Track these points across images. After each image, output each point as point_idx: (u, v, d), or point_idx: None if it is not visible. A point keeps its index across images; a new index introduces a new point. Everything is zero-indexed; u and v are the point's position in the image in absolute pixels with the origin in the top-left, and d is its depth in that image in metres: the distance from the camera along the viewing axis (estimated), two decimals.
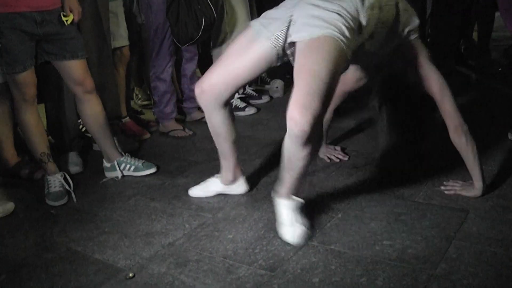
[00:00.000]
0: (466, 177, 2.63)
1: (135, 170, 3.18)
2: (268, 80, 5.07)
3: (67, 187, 2.95)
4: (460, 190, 2.63)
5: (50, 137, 3.54)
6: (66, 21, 2.79)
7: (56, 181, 2.95)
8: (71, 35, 2.85)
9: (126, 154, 3.24)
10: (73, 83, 2.96)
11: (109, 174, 3.19)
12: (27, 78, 2.80)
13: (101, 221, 2.68)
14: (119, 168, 3.16)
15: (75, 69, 2.91)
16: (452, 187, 2.67)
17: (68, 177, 2.99)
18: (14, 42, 2.70)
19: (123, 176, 3.17)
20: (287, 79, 5.13)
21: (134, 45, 3.97)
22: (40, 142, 2.97)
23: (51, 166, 2.99)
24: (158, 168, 3.25)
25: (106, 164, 3.20)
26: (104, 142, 3.16)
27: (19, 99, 2.87)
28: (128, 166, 3.18)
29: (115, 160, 3.17)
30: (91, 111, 3.05)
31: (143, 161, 3.23)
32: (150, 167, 3.21)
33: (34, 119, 2.94)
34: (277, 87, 4.84)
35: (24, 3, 2.67)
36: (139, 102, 4.76)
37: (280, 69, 4.93)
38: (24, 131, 2.98)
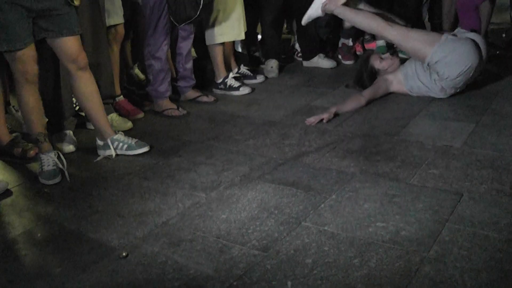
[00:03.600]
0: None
1: (128, 148, 3.17)
2: (263, 60, 5.05)
3: (60, 166, 2.93)
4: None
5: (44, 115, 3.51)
6: (73, 1, 2.79)
7: (49, 159, 2.93)
8: (66, 10, 2.81)
9: (120, 132, 3.22)
10: (67, 60, 2.92)
11: (101, 152, 3.18)
12: (28, 54, 2.76)
13: (95, 200, 2.68)
14: (113, 147, 3.14)
15: (70, 45, 2.88)
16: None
17: (61, 156, 2.97)
18: (12, 18, 2.66)
19: (117, 155, 3.15)
20: (282, 59, 5.13)
21: (129, 23, 3.93)
22: (37, 122, 2.95)
23: (46, 145, 2.97)
24: (151, 147, 3.23)
25: (99, 142, 3.19)
26: (98, 119, 3.14)
27: (20, 79, 2.82)
28: (121, 144, 3.16)
29: (108, 138, 3.15)
30: (85, 88, 3.02)
31: (136, 140, 3.22)
32: (142, 146, 3.20)
33: (34, 100, 2.90)
34: (272, 67, 4.81)
35: None
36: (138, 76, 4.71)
37: (275, 49, 4.93)
38: (23, 110, 2.94)
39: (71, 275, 2.07)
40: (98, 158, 3.16)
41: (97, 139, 3.20)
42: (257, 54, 5.35)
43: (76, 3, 2.81)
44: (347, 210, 2.39)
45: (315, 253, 2.09)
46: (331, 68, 4.95)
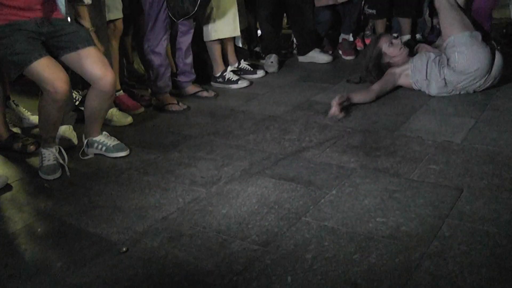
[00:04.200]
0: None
1: (106, 151, 3.11)
2: (263, 55, 5.05)
3: (61, 161, 2.92)
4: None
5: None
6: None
7: (50, 154, 2.92)
8: (73, 29, 2.81)
9: (104, 133, 3.18)
10: (91, 77, 2.86)
11: (85, 150, 3.16)
12: (46, 65, 2.67)
13: (95, 195, 2.68)
14: (88, 148, 3.13)
15: (92, 55, 2.82)
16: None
17: (63, 150, 2.97)
18: (20, 38, 2.65)
19: (84, 154, 3.13)
20: (283, 54, 5.13)
21: (128, 18, 3.92)
22: (51, 130, 2.94)
23: (50, 142, 2.96)
24: (130, 151, 3.15)
25: (83, 140, 3.16)
26: (91, 121, 3.09)
27: (47, 96, 2.73)
28: (100, 146, 3.12)
29: (87, 139, 3.12)
30: (98, 105, 2.98)
31: (117, 142, 3.14)
32: (120, 150, 3.12)
33: (57, 115, 2.85)
34: (271, 62, 4.81)
35: (24, 14, 2.69)
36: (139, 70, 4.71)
37: (274, 44, 4.93)
38: (41, 116, 2.89)
39: (72, 270, 2.07)
40: (86, 157, 3.14)
41: (83, 136, 3.18)
42: (257, 49, 5.35)
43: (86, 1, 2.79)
44: (347, 206, 2.39)
45: (315, 248, 2.09)
46: (327, 63, 4.95)
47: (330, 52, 5.25)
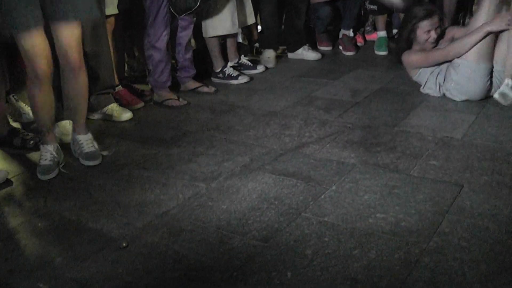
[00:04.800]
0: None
1: (79, 155, 3.02)
2: (261, 49, 5.05)
3: (57, 160, 2.89)
4: None
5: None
6: None
7: (47, 153, 2.88)
8: None
9: (88, 134, 3.08)
10: (59, 54, 2.80)
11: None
12: (36, 42, 2.61)
13: (95, 190, 2.68)
14: (72, 144, 3.08)
15: (65, 35, 2.74)
16: None
17: (59, 149, 2.95)
18: (19, 5, 2.54)
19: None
20: (280, 50, 5.15)
21: (128, 14, 3.92)
22: (46, 118, 2.89)
23: (49, 137, 2.92)
24: (101, 160, 3.00)
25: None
26: (74, 113, 3.04)
27: (31, 75, 2.70)
28: (78, 147, 3.03)
29: (72, 134, 3.07)
30: (75, 88, 2.93)
31: (92, 149, 3.01)
32: (90, 159, 2.97)
33: (44, 99, 2.80)
34: (268, 57, 4.83)
35: None
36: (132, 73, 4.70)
37: (273, 40, 4.94)
38: (32, 106, 2.87)
39: (71, 265, 2.07)
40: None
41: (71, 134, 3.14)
42: (257, 45, 5.35)
43: None
44: (347, 201, 2.39)
45: (315, 244, 2.09)
46: (325, 59, 4.96)
47: (330, 48, 5.26)
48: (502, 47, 3.43)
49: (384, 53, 4.95)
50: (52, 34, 2.77)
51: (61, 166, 2.89)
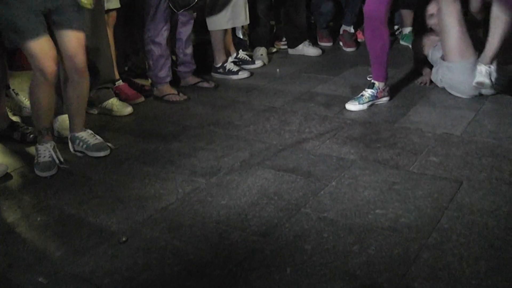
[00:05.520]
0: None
1: (86, 149, 3.03)
2: (250, 48, 5.05)
3: (54, 156, 2.88)
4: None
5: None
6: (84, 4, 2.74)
7: (46, 151, 2.87)
8: (76, 9, 2.76)
9: (87, 130, 3.09)
10: (65, 57, 2.83)
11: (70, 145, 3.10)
12: (42, 47, 2.66)
13: (95, 184, 2.68)
14: (72, 144, 3.06)
15: (73, 40, 2.79)
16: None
17: (56, 147, 2.94)
18: (20, 13, 2.59)
19: (75, 150, 3.05)
20: (272, 48, 5.17)
21: (130, 8, 3.92)
22: (45, 119, 2.89)
23: (46, 137, 2.91)
24: (110, 151, 3.04)
25: (68, 135, 3.10)
26: (73, 114, 3.04)
27: (39, 77, 2.73)
28: (81, 143, 3.04)
29: (70, 134, 3.07)
30: (77, 90, 2.94)
31: (99, 141, 3.05)
32: (101, 150, 3.01)
33: (48, 100, 2.82)
34: (261, 55, 4.83)
35: None
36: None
37: (265, 37, 4.95)
38: (33, 105, 2.87)
39: (71, 260, 2.07)
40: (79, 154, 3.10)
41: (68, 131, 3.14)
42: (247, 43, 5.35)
43: (88, 6, 2.75)
44: (347, 197, 2.39)
45: (314, 240, 2.09)
46: (324, 55, 4.95)
47: (330, 43, 5.27)
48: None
49: None
50: (57, 40, 2.80)
51: (59, 164, 2.88)
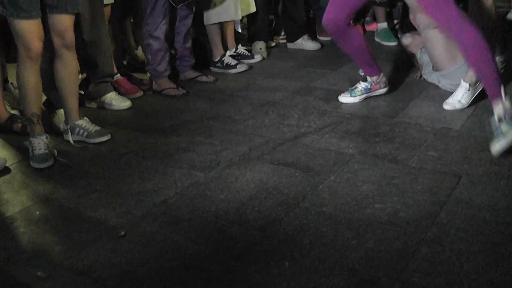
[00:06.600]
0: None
1: (88, 136, 3.06)
2: (247, 42, 5.04)
3: (50, 148, 2.87)
4: None
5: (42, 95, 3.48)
6: None
7: (41, 143, 2.87)
8: None
9: (84, 118, 3.13)
10: (55, 34, 2.85)
11: (65, 137, 3.11)
12: (32, 28, 2.70)
13: (93, 178, 2.68)
14: (71, 133, 3.07)
15: (63, 21, 2.82)
16: None
17: (49, 138, 2.93)
18: None
19: (74, 141, 3.07)
20: (270, 42, 5.15)
21: (127, 3, 3.91)
22: (34, 103, 2.89)
23: (37, 128, 2.91)
24: (111, 136, 3.11)
25: (64, 127, 3.12)
26: (68, 102, 3.06)
27: (23, 54, 2.76)
28: (81, 131, 3.07)
29: (69, 124, 3.08)
30: (64, 68, 2.95)
31: (98, 128, 3.10)
32: (102, 135, 3.08)
33: (34, 79, 2.84)
34: (260, 49, 4.82)
35: None
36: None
37: (263, 31, 4.94)
38: (21, 88, 2.88)
39: (69, 254, 2.07)
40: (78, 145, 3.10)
41: (63, 123, 3.14)
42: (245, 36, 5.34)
43: None
44: (346, 191, 2.39)
45: (312, 234, 2.09)
46: (320, 49, 4.94)
47: (329, 38, 5.25)
48: None
49: (394, 43, 4.90)
50: (49, 20, 2.82)
51: (57, 157, 2.88)
